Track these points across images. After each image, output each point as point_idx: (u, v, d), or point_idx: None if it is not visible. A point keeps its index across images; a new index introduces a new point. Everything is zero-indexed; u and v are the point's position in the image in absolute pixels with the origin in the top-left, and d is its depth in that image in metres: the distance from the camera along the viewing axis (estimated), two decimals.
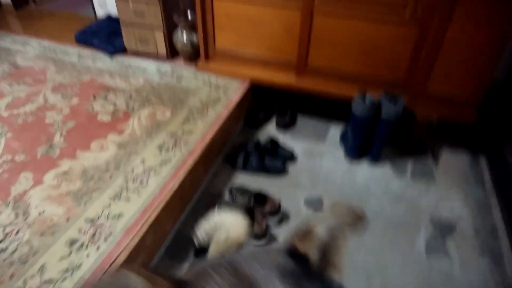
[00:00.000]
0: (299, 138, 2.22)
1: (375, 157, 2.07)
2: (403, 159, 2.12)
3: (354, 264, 1.53)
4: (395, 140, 2.17)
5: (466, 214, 1.80)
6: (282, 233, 1.64)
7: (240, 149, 2.00)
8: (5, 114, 1.95)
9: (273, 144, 2.04)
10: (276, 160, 1.97)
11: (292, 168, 2.00)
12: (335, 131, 2.29)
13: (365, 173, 2.02)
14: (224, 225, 0.91)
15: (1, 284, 1.15)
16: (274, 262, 0.64)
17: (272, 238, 1.61)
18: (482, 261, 1.59)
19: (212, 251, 0.90)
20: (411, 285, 1.47)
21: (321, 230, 0.71)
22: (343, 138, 2.18)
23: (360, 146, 2.05)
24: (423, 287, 1.46)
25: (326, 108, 2.44)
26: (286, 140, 2.18)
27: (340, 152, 2.14)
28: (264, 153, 1.97)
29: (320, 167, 2.03)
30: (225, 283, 0.54)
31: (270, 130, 2.29)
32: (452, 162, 2.13)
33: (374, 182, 1.96)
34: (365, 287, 1.45)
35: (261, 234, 1.54)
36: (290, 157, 2.03)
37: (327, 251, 0.70)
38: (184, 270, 1.38)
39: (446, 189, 1.94)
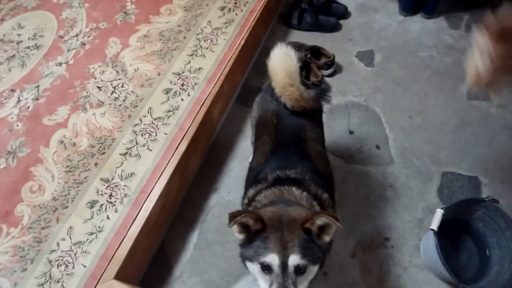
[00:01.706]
0: None
1: (430, 10, 2.06)
2: (459, 12, 2.09)
3: (399, 106, 1.76)
4: None
5: None
6: (335, 83, 1.86)
7: (294, 8, 2.08)
8: None
9: (327, 0, 2.07)
10: (330, 16, 2.04)
11: (345, 24, 2.08)
12: None
13: (418, 26, 2.06)
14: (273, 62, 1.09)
15: (124, 122, 1.53)
16: None
17: (327, 87, 1.84)
18: None
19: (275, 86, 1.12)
20: (449, 122, 1.70)
21: None
22: None
23: None
24: (460, 124, 1.69)
25: None
26: None
27: (394, 7, 2.14)
28: (318, 10, 2.04)
29: (373, 22, 2.08)
30: None
31: None
32: None
33: (426, 34, 2.01)
34: (407, 124, 1.71)
35: (318, 83, 1.77)
36: (343, 13, 2.09)
37: None
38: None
39: None
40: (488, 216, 1.32)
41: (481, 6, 2.09)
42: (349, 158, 1.64)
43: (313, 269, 0.83)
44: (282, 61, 1.08)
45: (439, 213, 1.23)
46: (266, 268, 0.80)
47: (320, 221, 0.80)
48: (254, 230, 0.82)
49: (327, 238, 0.84)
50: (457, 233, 1.42)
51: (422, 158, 1.62)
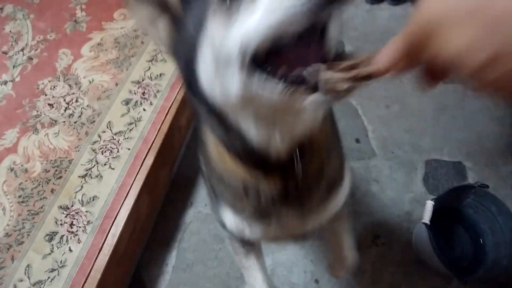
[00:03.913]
0: None
1: None
2: None
3: (375, 97, 1.70)
4: None
5: None
6: None
7: None
8: None
9: None
10: None
11: None
12: None
13: (386, 14, 2.01)
14: None
15: (81, 140, 1.38)
16: None
17: None
18: None
19: None
20: (427, 108, 1.65)
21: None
22: None
23: None
24: (438, 109, 1.64)
25: None
26: None
27: None
28: None
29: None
30: None
31: None
32: None
33: (395, 21, 1.96)
34: (385, 113, 1.64)
35: None
36: None
37: None
38: None
39: None
40: (478, 202, 1.27)
41: None
42: None
43: None
44: None
45: (429, 205, 1.16)
46: None
47: None
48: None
49: None
50: (448, 222, 1.36)
51: (403, 148, 1.56)
